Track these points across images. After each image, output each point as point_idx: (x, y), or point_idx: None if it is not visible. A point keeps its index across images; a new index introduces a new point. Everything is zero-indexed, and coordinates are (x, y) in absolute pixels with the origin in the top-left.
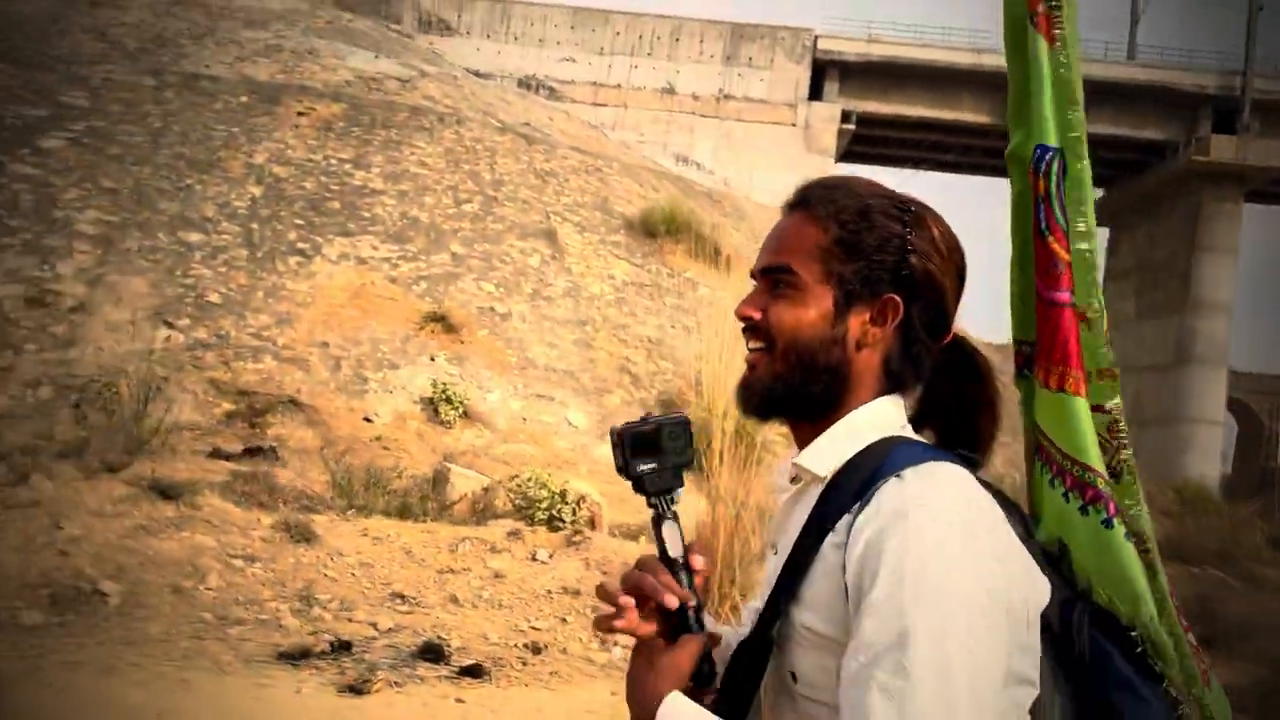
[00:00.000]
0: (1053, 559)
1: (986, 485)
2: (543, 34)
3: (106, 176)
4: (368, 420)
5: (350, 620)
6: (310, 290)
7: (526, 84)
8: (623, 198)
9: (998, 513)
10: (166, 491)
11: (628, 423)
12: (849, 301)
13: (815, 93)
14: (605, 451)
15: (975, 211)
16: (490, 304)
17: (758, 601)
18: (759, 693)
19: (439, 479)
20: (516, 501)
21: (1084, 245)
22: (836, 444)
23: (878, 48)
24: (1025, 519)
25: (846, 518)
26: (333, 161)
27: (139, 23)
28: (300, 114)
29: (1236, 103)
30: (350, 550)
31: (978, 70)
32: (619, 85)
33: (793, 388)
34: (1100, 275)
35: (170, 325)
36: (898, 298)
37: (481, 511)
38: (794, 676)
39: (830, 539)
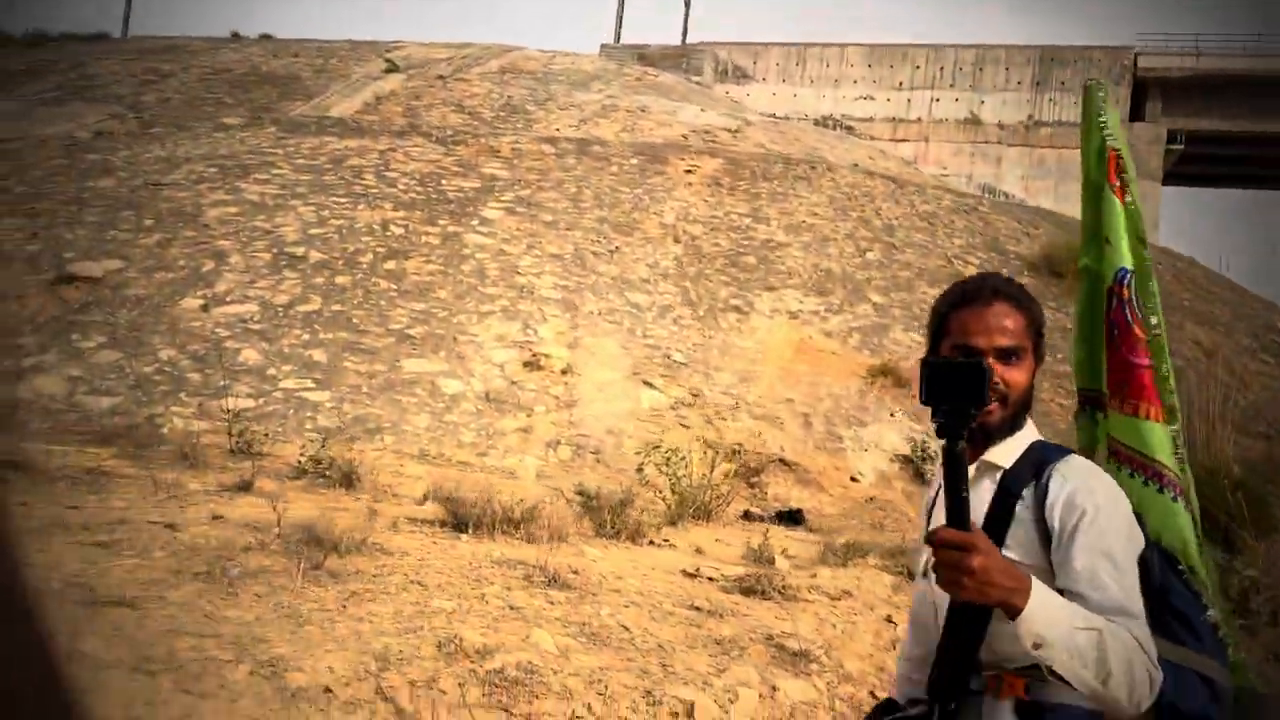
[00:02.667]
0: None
1: None
2: (839, 74)
3: (549, 243)
4: (854, 479)
5: None
6: (757, 346)
7: (823, 124)
8: (1009, 236)
9: None
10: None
11: (937, 358)
12: (1036, 362)
13: (1135, 114)
14: None
15: None
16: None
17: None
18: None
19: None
20: None
21: (1154, 320)
22: (1011, 447)
23: (1206, 61)
24: None
25: (1029, 490)
26: (733, 216)
27: (487, 93)
28: (687, 171)
29: None
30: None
31: None
32: (919, 119)
33: (1009, 423)
34: (1165, 342)
35: (650, 385)
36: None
37: None
38: None
39: (1020, 504)
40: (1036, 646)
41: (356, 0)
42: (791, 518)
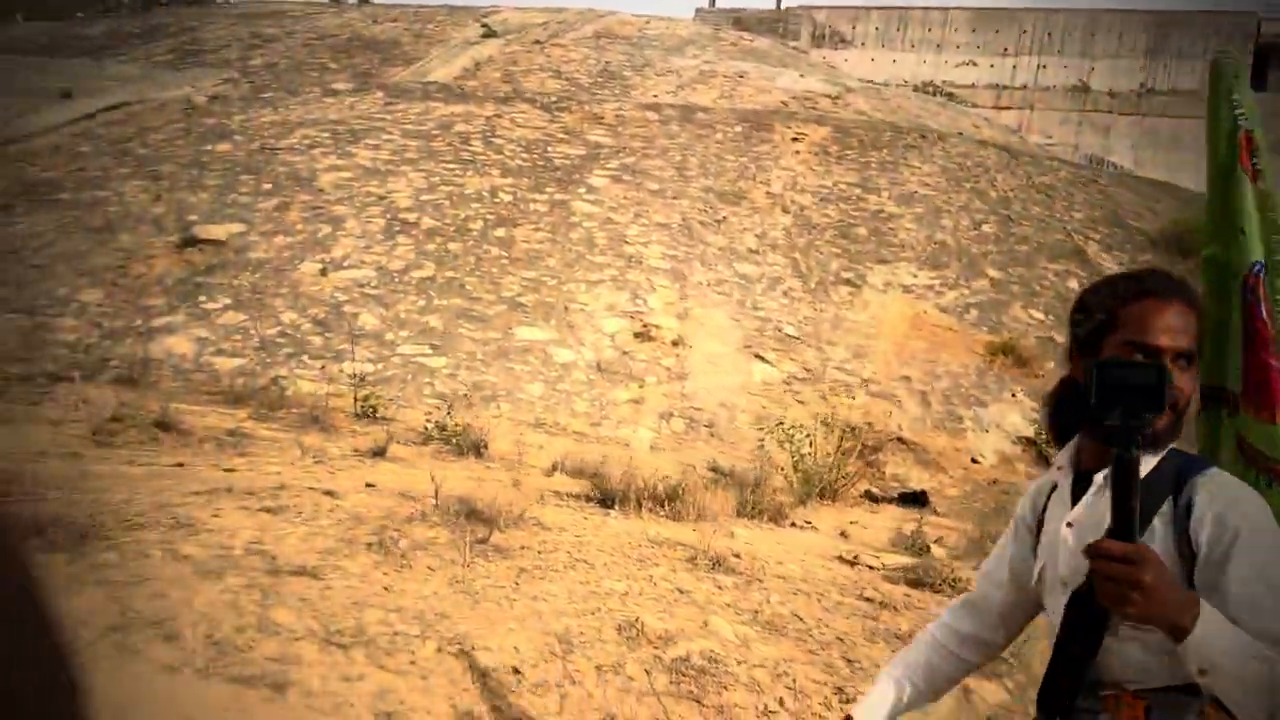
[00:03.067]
0: None
1: None
2: (941, 39)
3: (655, 212)
4: (974, 461)
5: None
6: (871, 321)
7: (923, 91)
8: (1130, 211)
9: None
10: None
11: (1108, 359)
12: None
13: (1258, 83)
14: None
15: None
16: (1048, 334)
17: (1062, 568)
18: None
19: None
20: None
21: None
22: (1148, 458)
23: None
24: None
25: (1167, 503)
26: (842, 186)
27: (583, 58)
28: (794, 139)
29: None
30: None
31: None
32: (1024, 86)
33: (1174, 433)
34: None
35: (761, 359)
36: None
37: None
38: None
39: (1158, 517)
40: (1202, 673)
41: None
42: (915, 499)
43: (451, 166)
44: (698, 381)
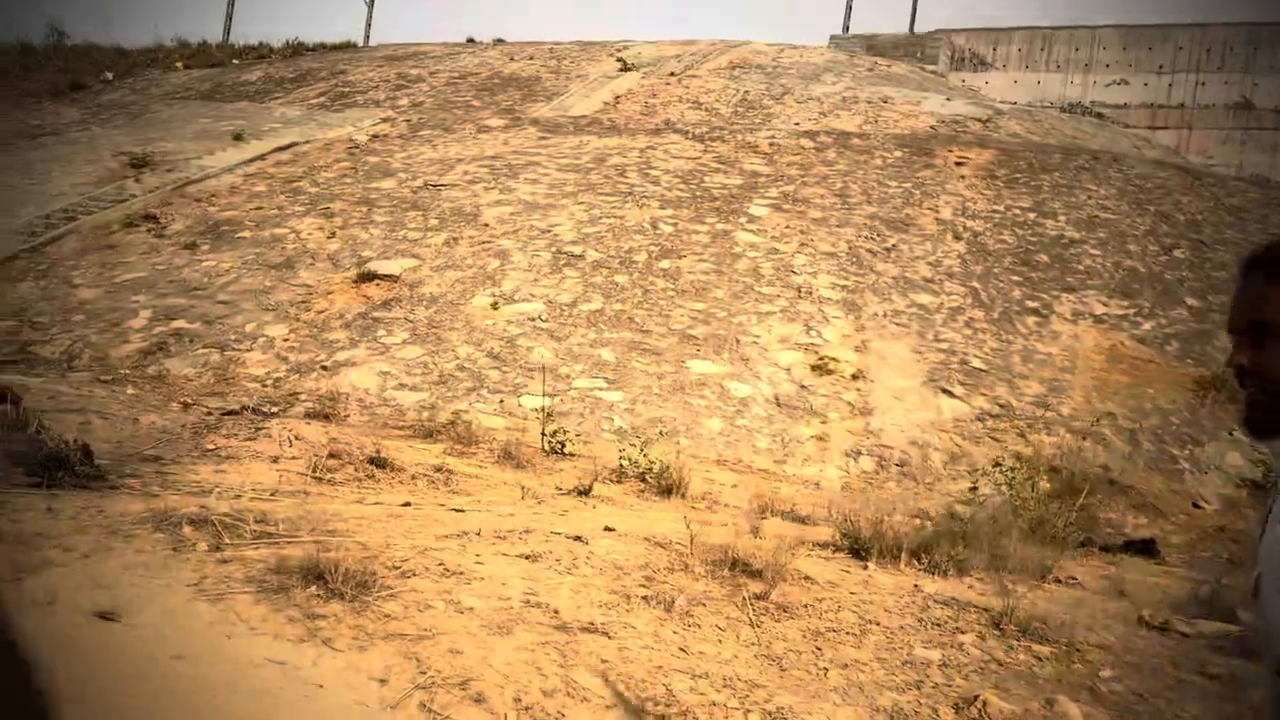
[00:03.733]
0: None
1: None
2: (1089, 58)
3: (820, 240)
4: (1197, 507)
5: None
6: (1064, 353)
7: (1071, 112)
8: None
9: None
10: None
11: None
12: None
13: None
14: None
15: None
16: None
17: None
18: None
19: None
20: None
21: None
22: None
23: None
24: None
25: None
26: (1015, 211)
27: (722, 88)
28: (957, 163)
29: None
30: None
31: None
32: (1181, 105)
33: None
34: None
35: (949, 394)
36: None
37: None
38: None
39: None
40: None
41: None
42: (1142, 548)
43: (610, 199)
44: (884, 418)
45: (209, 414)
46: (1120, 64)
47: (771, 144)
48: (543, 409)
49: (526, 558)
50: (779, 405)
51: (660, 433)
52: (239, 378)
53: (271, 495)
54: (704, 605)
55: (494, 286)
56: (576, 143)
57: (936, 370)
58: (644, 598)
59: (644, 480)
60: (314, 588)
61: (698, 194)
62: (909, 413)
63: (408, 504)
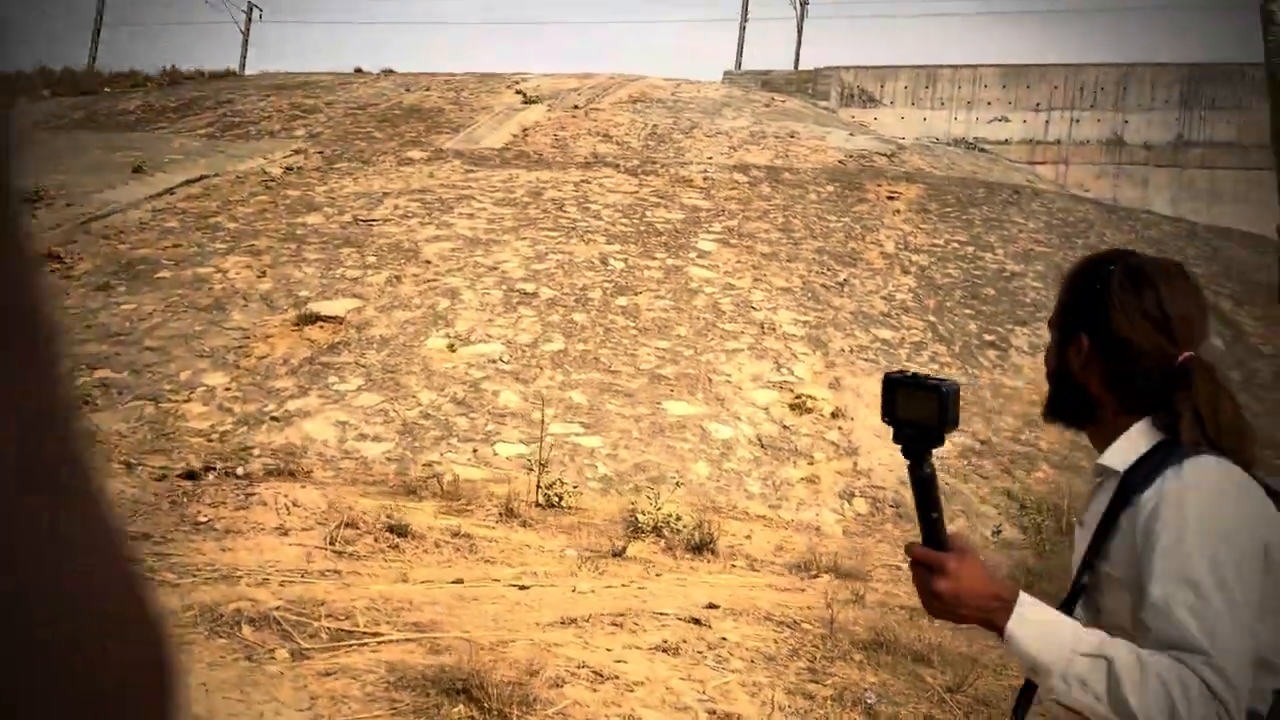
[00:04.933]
0: None
1: (1258, 477)
2: (971, 96)
3: (774, 275)
4: None
5: None
6: (1030, 386)
7: (956, 146)
8: (1245, 265)
9: (1254, 489)
10: None
11: (901, 374)
12: (1089, 343)
13: None
14: None
15: None
16: None
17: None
18: None
19: None
20: None
21: None
22: (1125, 447)
23: None
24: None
25: (1137, 497)
26: (954, 245)
27: (630, 121)
28: (889, 198)
29: None
30: None
31: None
32: (1058, 141)
33: (1065, 410)
34: None
35: None
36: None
37: None
38: (1099, 611)
39: (1125, 513)
40: (1033, 672)
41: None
42: None
43: (554, 234)
44: (870, 457)
45: (183, 477)
46: (1001, 101)
47: (705, 178)
48: (537, 459)
49: (664, 650)
50: (763, 447)
51: (648, 478)
52: (180, 432)
53: (303, 577)
54: (894, 702)
55: (447, 327)
56: (506, 176)
57: None
58: (830, 699)
59: (660, 535)
60: (463, 707)
61: (642, 229)
62: (894, 451)
63: (459, 580)
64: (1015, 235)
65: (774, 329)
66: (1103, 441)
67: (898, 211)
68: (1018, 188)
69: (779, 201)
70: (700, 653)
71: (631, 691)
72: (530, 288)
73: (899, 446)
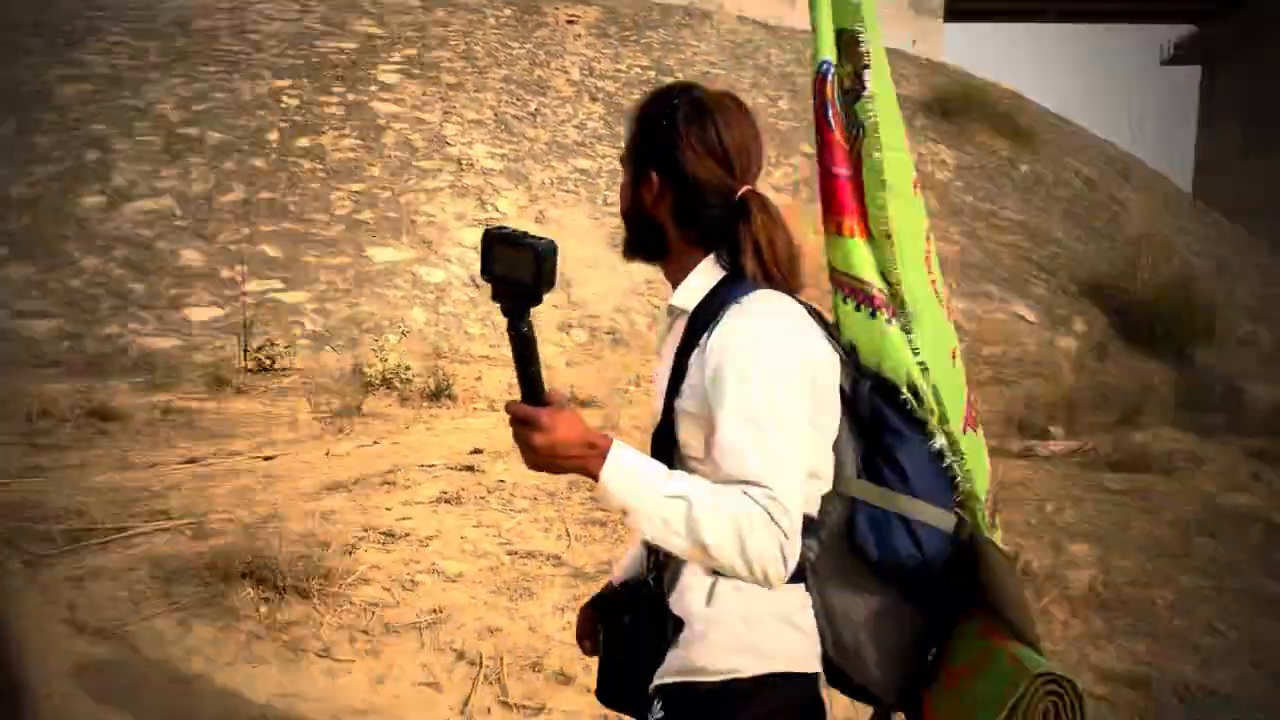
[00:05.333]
0: (849, 353)
1: (804, 304)
2: None
3: (464, 108)
4: None
5: None
6: None
7: None
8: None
9: (807, 319)
10: None
11: (500, 230)
12: (660, 179)
13: None
14: None
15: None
16: None
17: (657, 401)
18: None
19: None
20: None
21: (876, 154)
22: (694, 286)
23: None
24: (830, 327)
25: (705, 336)
26: (637, 69)
27: None
28: (569, 22)
29: None
30: None
31: None
32: None
33: (638, 245)
34: (886, 156)
35: None
36: (654, 172)
37: None
38: (681, 445)
39: (695, 352)
40: (625, 514)
41: None
42: None
43: (212, 69)
44: (585, 289)
45: None
46: None
47: (375, 2)
48: (242, 321)
49: (446, 501)
50: (477, 286)
51: (364, 330)
52: None
53: (2, 478)
54: None
55: (101, 182)
56: (144, 3)
57: (616, 235)
58: (619, 521)
59: (392, 387)
60: (251, 590)
61: (314, 61)
62: (605, 281)
63: (193, 460)
64: (692, 59)
65: (472, 164)
66: (677, 275)
67: (578, 36)
68: (688, 9)
69: (457, 27)
70: (482, 498)
71: (426, 546)
72: (194, 131)
73: (497, 305)
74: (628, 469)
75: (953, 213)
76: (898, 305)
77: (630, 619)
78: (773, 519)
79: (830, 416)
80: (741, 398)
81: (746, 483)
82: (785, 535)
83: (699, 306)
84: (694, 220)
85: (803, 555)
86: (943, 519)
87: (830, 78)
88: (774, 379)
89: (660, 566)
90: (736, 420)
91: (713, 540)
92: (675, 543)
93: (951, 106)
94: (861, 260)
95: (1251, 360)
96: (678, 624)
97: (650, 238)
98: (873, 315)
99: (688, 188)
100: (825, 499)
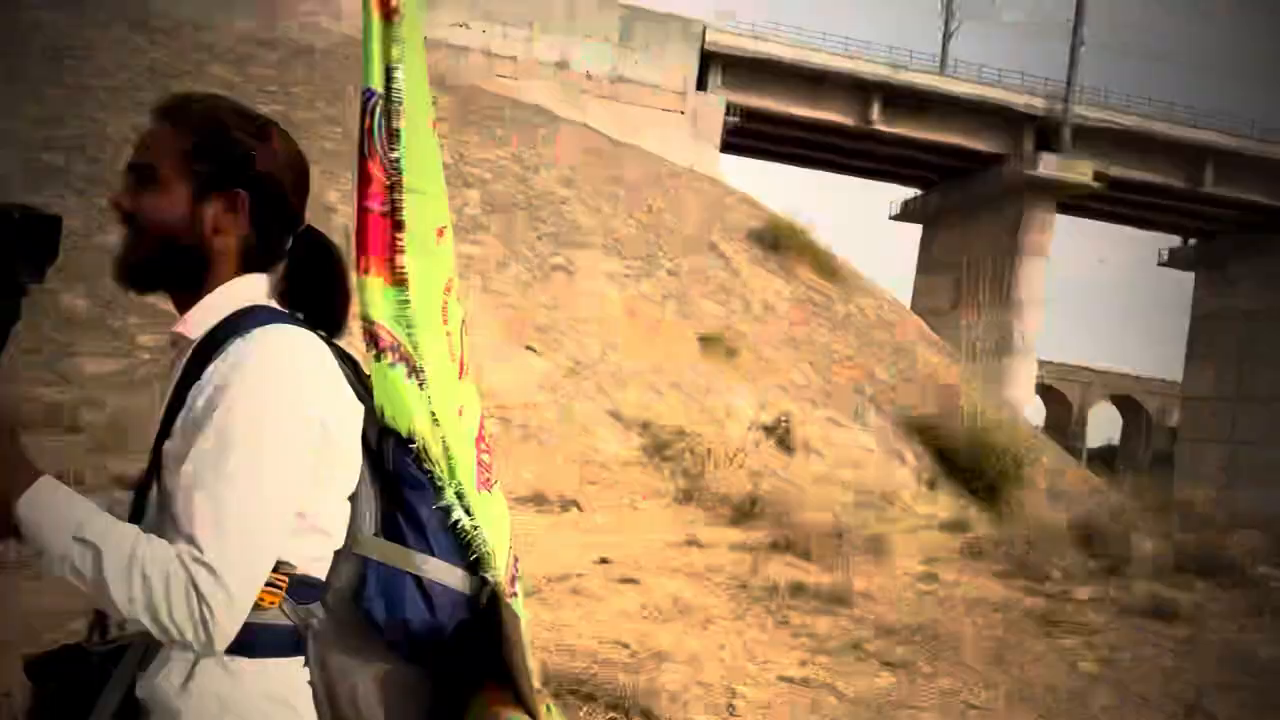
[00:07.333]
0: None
1: (331, 345)
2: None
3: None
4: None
5: None
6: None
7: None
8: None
9: (327, 360)
10: None
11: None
12: (202, 193)
13: (701, 83)
14: None
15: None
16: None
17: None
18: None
19: None
20: None
21: (397, 195)
22: (206, 313)
23: (762, 45)
24: (360, 371)
25: (208, 369)
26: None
27: None
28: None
29: (1057, 123)
30: None
31: (851, 74)
32: (515, 57)
33: (156, 264)
34: (411, 193)
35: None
36: (244, 192)
37: None
38: (164, 493)
39: (194, 387)
40: (35, 553)
41: None
42: None
43: None
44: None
45: None
46: (462, 5)
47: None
48: None
49: None
50: None
51: None
52: None
53: None
54: None
55: None
56: None
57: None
58: None
59: None
60: None
61: None
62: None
63: None
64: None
65: None
66: (188, 304)
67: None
68: (500, 106)
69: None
70: None
71: None
72: None
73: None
74: (47, 506)
75: (794, 344)
76: (411, 352)
77: (56, 688)
78: (195, 585)
79: (346, 470)
80: (217, 439)
81: (185, 540)
82: (208, 604)
83: (208, 335)
84: (261, 242)
85: (304, 623)
86: (462, 580)
87: (373, 109)
88: (265, 425)
89: (103, 626)
90: (198, 467)
91: (120, 598)
92: (92, 596)
93: (779, 240)
94: (375, 300)
95: None
96: (141, 708)
97: (189, 262)
98: (378, 358)
99: (281, 209)
100: (337, 559)
